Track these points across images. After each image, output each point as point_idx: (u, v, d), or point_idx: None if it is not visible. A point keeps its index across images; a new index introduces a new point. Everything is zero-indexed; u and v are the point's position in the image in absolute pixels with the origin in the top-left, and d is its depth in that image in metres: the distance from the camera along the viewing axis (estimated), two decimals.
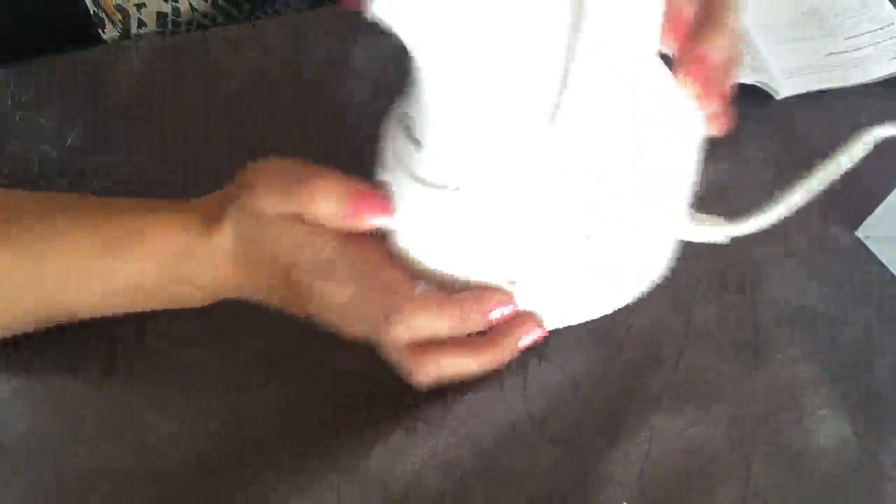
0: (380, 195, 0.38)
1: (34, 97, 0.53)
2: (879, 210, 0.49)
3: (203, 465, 0.42)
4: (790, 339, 0.43)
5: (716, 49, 0.34)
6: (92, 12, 0.56)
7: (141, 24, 0.58)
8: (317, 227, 0.38)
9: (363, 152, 0.53)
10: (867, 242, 0.50)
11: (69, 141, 0.52)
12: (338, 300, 0.38)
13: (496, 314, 0.38)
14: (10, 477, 0.41)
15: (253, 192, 0.38)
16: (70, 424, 0.42)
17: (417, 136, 0.36)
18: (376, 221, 0.38)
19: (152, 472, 0.41)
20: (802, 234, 0.49)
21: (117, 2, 0.56)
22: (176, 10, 0.58)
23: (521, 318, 0.39)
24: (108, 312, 0.42)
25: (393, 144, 0.38)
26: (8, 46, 0.54)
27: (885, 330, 0.47)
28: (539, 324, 0.39)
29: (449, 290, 0.38)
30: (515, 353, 0.40)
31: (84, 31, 0.57)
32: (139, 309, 0.42)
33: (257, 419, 0.43)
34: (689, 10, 0.35)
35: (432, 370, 0.38)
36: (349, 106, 0.55)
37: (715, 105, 0.35)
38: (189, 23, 0.59)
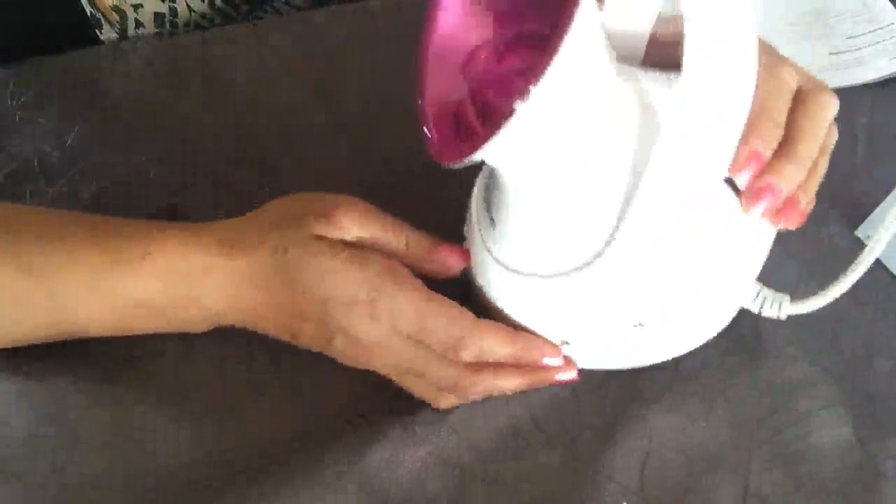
0: (458, 246, 0.42)
1: (34, 97, 0.53)
2: (879, 210, 0.49)
3: (201, 468, 0.42)
4: (790, 339, 0.43)
5: (785, 179, 0.35)
6: (89, 13, 0.56)
7: (138, 24, 0.58)
8: (363, 265, 0.38)
9: (363, 152, 0.53)
10: (867, 242, 0.50)
11: (69, 141, 0.52)
12: (373, 332, 0.38)
13: (548, 361, 0.41)
14: (10, 480, 0.41)
15: (328, 220, 0.39)
16: (70, 429, 0.42)
17: (493, 215, 0.39)
18: (456, 267, 0.41)
19: (151, 477, 0.41)
20: (803, 235, 0.49)
21: (114, 3, 0.56)
22: (173, 11, 0.58)
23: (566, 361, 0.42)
24: (117, 332, 0.42)
25: (476, 210, 0.41)
26: (5, 47, 0.54)
27: (884, 330, 0.48)
28: (576, 368, 0.42)
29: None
30: (549, 383, 0.42)
31: (82, 33, 0.57)
32: (145, 330, 0.42)
33: (255, 422, 0.43)
34: (766, 151, 0.35)
35: (488, 386, 0.41)
36: (350, 106, 0.55)
37: (787, 224, 0.37)
38: (187, 24, 0.59)
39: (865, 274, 0.40)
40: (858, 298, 0.47)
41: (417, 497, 0.41)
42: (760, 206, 0.35)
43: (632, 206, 0.34)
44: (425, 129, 0.34)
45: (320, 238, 0.38)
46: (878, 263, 0.49)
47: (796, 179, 0.35)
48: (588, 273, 0.36)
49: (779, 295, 0.40)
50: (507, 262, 0.39)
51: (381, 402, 0.44)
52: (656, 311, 0.39)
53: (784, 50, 0.59)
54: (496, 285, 0.40)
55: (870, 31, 0.60)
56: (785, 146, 0.36)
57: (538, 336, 0.41)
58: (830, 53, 0.59)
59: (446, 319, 0.38)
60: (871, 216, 0.50)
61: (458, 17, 0.35)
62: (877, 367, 0.46)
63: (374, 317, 0.38)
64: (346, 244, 0.39)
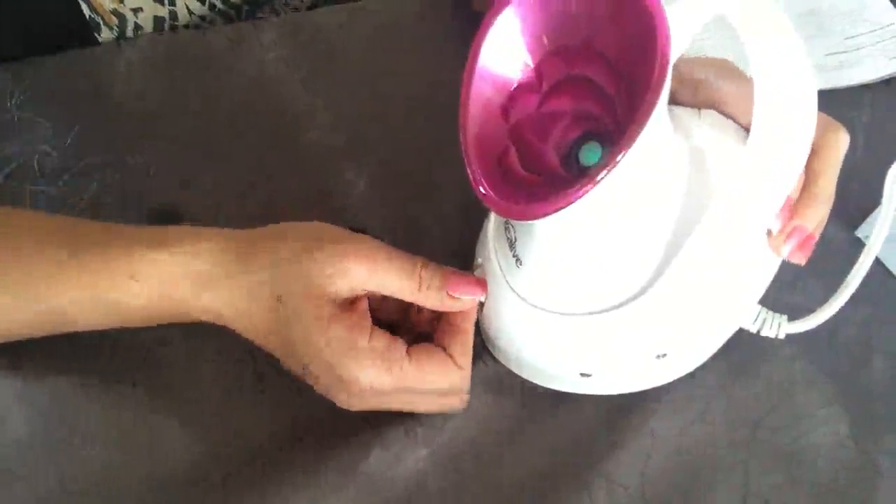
0: (473, 277, 0.40)
1: (34, 97, 0.53)
2: (879, 210, 0.49)
3: (203, 466, 0.42)
4: (788, 339, 0.43)
5: (810, 221, 0.37)
6: (87, 16, 0.56)
7: (137, 28, 0.57)
8: (349, 349, 0.37)
9: (362, 151, 0.53)
10: (867, 242, 0.50)
11: (69, 141, 0.52)
12: (350, 402, 0.39)
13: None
14: (10, 480, 0.41)
15: (336, 271, 0.37)
16: (70, 428, 0.42)
17: (518, 254, 0.38)
18: (468, 305, 0.40)
19: (152, 475, 0.42)
20: None
21: (113, 6, 0.56)
22: (173, 15, 0.58)
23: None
24: (107, 328, 0.42)
25: (494, 247, 0.40)
26: (5, 48, 0.54)
27: (882, 329, 0.48)
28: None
29: (513, 362, 0.43)
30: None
31: (81, 36, 0.57)
32: (136, 325, 0.42)
33: (257, 422, 0.43)
34: (795, 195, 0.37)
35: None
36: (348, 105, 0.55)
37: (802, 258, 0.39)
38: (186, 26, 0.59)
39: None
40: (856, 297, 0.47)
41: (418, 499, 0.41)
42: (789, 247, 0.37)
43: (680, 254, 0.35)
44: (481, 189, 0.34)
45: (315, 297, 0.37)
46: (877, 263, 0.49)
47: (819, 219, 0.37)
48: (623, 312, 0.37)
49: (777, 316, 0.41)
50: (534, 301, 0.38)
51: None
52: (679, 343, 0.40)
53: None
54: (520, 324, 0.40)
55: (869, 31, 0.60)
56: (808, 188, 0.37)
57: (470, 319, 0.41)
58: (830, 53, 0.59)
59: (436, 384, 0.39)
60: (871, 216, 0.50)
61: (501, 59, 0.34)
62: (874, 366, 0.46)
63: (351, 393, 0.38)
64: (346, 305, 0.38)
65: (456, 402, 0.42)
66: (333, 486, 0.41)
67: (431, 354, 0.39)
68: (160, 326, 0.45)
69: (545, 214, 0.31)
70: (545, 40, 0.34)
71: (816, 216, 0.37)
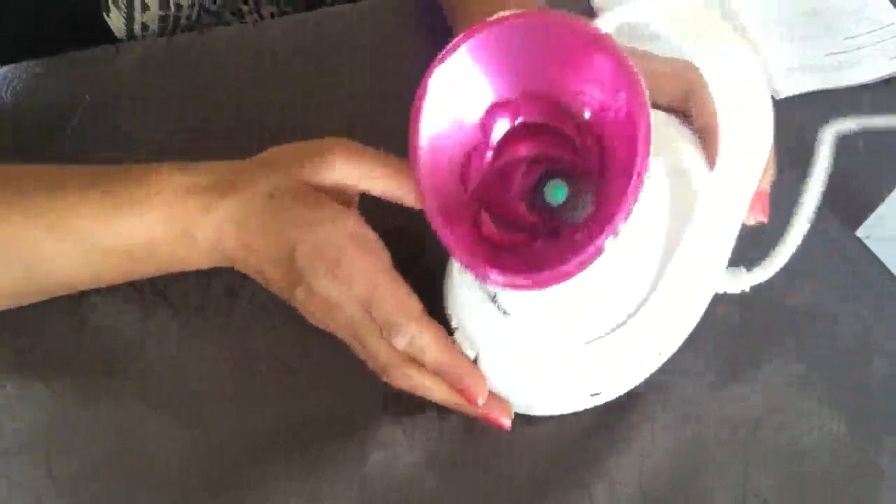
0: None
1: (33, 93, 0.53)
2: (879, 210, 0.49)
3: (201, 467, 0.42)
4: (787, 338, 0.44)
5: (767, 182, 0.42)
6: None
7: (145, 7, 0.57)
8: (337, 223, 0.39)
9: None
10: (867, 242, 0.50)
11: (67, 139, 0.52)
12: (330, 289, 0.39)
13: (470, 389, 0.40)
14: (4, 478, 0.41)
15: (319, 160, 0.40)
16: (68, 426, 0.42)
17: (503, 305, 0.38)
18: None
19: (148, 474, 0.42)
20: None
21: None
22: None
23: (501, 403, 0.41)
24: (118, 278, 0.44)
25: (468, 301, 0.40)
26: (12, 20, 0.54)
27: (882, 329, 0.48)
28: (511, 417, 0.41)
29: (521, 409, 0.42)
30: (478, 417, 0.41)
31: (91, 20, 0.57)
32: (140, 274, 0.44)
33: (256, 423, 0.43)
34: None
35: (416, 384, 0.40)
36: (345, 106, 0.55)
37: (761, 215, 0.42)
38: (191, 4, 0.58)
39: (865, 273, 0.40)
40: (856, 297, 0.47)
41: (416, 499, 0.41)
42: (759, 210, 0.41)
43: (664, 277, 0.36)
44: (491, 276, 0.34)
45: (306, 185, 0.40)
46: (876, 262, 0.49)
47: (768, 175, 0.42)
48: (624, 332, 0.37)
49: (738, 269, 0.41)
50: (528, 348, 0.39)
51: (383, 406, 0.44)
52: (672, 343, 0.40)
53: (783, 49, 0.59)
54: (519, 373, 0.40)
55: (870, 31, 0.60)
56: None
57: (468, 362, 0.40)
58: (830, 53, 0.59)
59: (392, 302, 0.39)
60: (872, 216, 0.50)
61: (442, 130, 0.35)
62: (874, 366, 0.46)
63: (334, 276, 0.39)
64: (331, 196, 0.40)
65: (382, 362, 0.40)
66: (331, 486, 0.41)
67: (399, 279, 0.39)
68: (159, 323, 0.45)
69: (556, 283, 0.32)
70: (490, 93, 0.34)
71: (770, 175, 0.41)
